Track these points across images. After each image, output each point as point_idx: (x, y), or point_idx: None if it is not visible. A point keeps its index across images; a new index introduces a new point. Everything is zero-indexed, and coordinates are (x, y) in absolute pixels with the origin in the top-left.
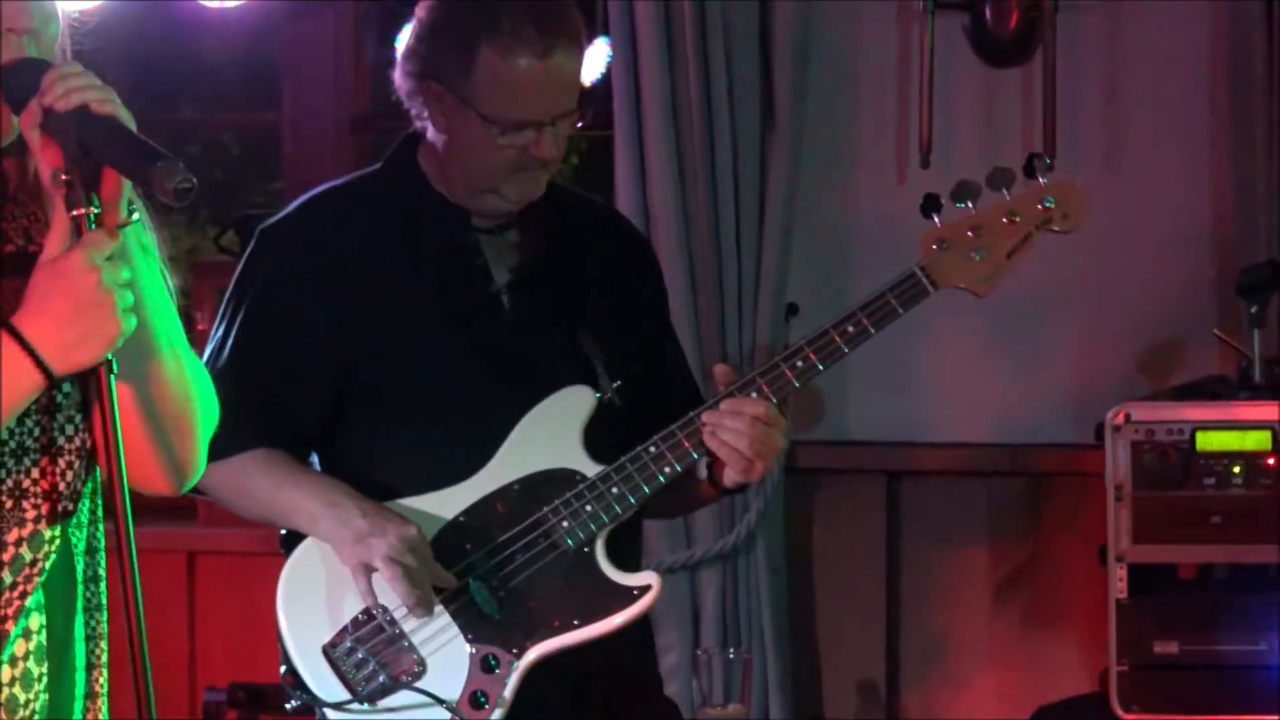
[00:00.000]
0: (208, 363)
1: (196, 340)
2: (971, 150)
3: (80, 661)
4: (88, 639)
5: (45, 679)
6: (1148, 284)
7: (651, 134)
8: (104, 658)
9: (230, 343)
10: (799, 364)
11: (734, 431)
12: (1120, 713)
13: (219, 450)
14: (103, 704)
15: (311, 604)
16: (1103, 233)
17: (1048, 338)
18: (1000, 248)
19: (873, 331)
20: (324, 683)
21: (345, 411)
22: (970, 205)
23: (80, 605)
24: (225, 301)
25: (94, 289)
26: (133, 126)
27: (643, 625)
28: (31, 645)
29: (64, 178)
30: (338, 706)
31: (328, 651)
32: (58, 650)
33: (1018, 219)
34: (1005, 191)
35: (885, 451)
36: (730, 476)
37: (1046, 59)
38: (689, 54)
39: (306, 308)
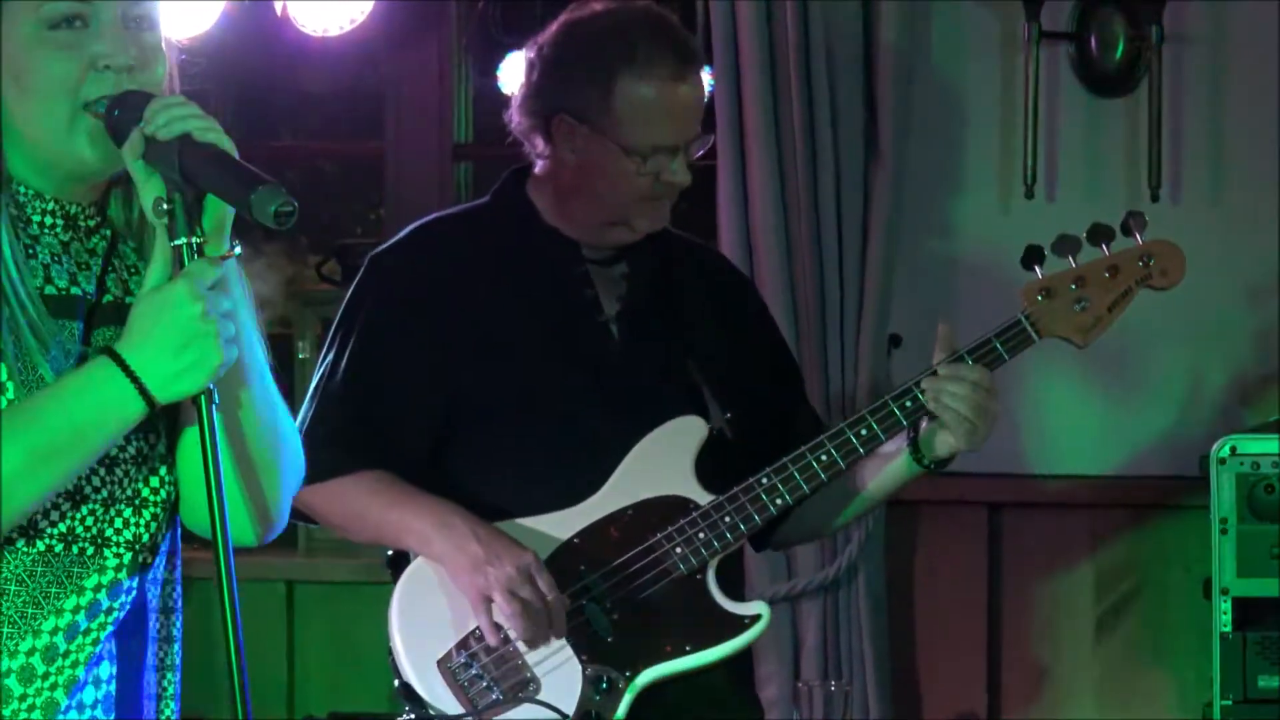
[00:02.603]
0: (318, 386)
1: (300, 369)
2: (1076, 181)
3: (149, 691)
4: (158, 698)
5: None
6: (1251, 316)
7: (754, 164)
8: (171, 689)
9: (343, 367)
10: (908, 404)
11: (955, 395)
12: None
13: (331, 469)
14: None
15: (426, 619)
16: (1206, 264)
17: (1150, 369)
18: (1102, 301)
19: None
20: (438, 698)
21: (455, 437)
22: (1071, 259)
23: (148, 663)
24: (335, 326)
25: (198, 319)
26: (234, 154)
27: (743, 653)
28: (100, 694)
29: (166, 207)
30: None
31: (442, 666)
32: (126, 704)
33: (1119, 274)
34: (1105, 247)
35: (987, 483)
36: (947, 443)
37: (1152, 90)
38: (792, 84)
39: (417, 334)
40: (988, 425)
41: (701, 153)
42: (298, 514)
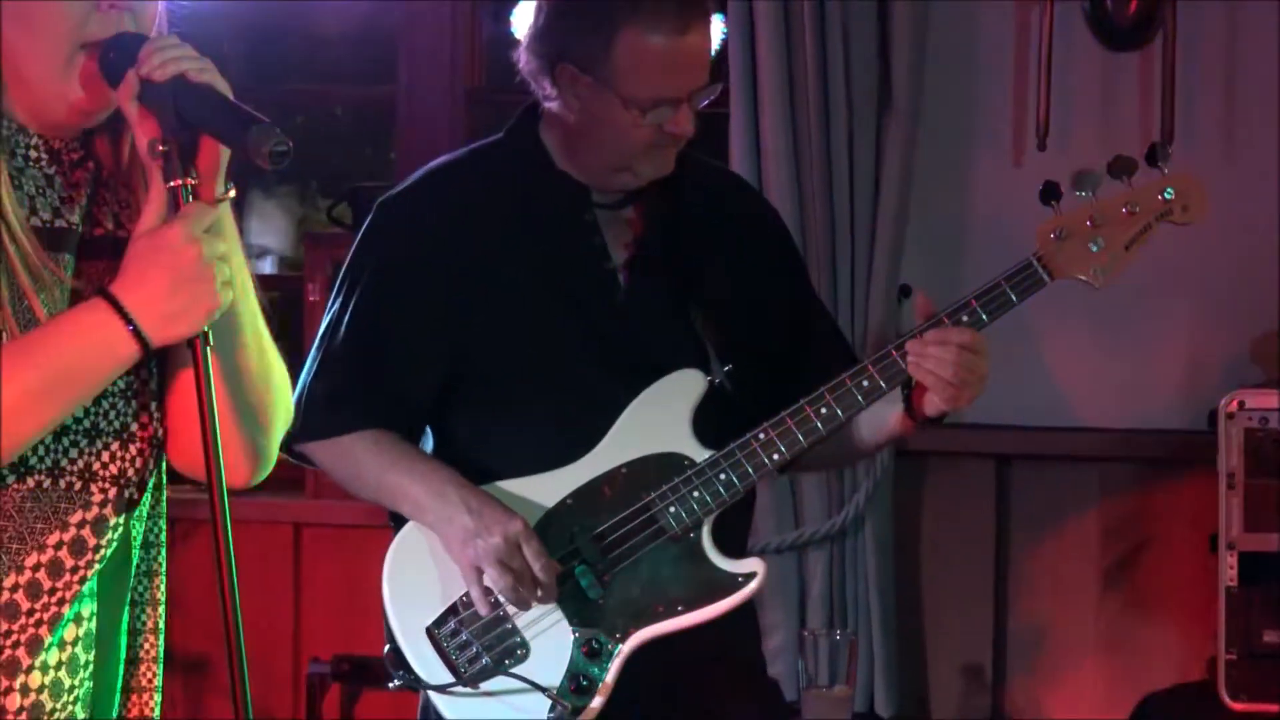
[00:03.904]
0: (323, 340)
1: (309, 312)
2: (1089, 134)
3: (121, 654)
4: (133, 633)
5: (91, 667)
6: (1262, 270)
7: (767, 113)
8: (154, 653)
9: (347, 320)
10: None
11: (939, 359)
12: (1228, 701)
13: (332, 428)
14: (151, 699)
15: (416, 584)
16: (1217, 218)
17: (1160, 323)
18: (1119, 239)
19: (985, 320)
20: (427, 664)
21: (458, 390)
22: (1090, 194)
23: (128, 598)
24: (342, 276)
25: (194, 261)
26: (229, 94)
27: (746, 606)
28: (81, 631)
29: (161, 148)
30: (440, 689)
31: (431, 632)
32: (105, 640)
33: (1137, 210)
34: (1126, 180)
35: (995, 435)
36: (934, 405)
37: (1166, 44)
38: (806, 33)
39: (423, 284)
40: (974, 388)
41: (708, 102)
42: (300, 457)
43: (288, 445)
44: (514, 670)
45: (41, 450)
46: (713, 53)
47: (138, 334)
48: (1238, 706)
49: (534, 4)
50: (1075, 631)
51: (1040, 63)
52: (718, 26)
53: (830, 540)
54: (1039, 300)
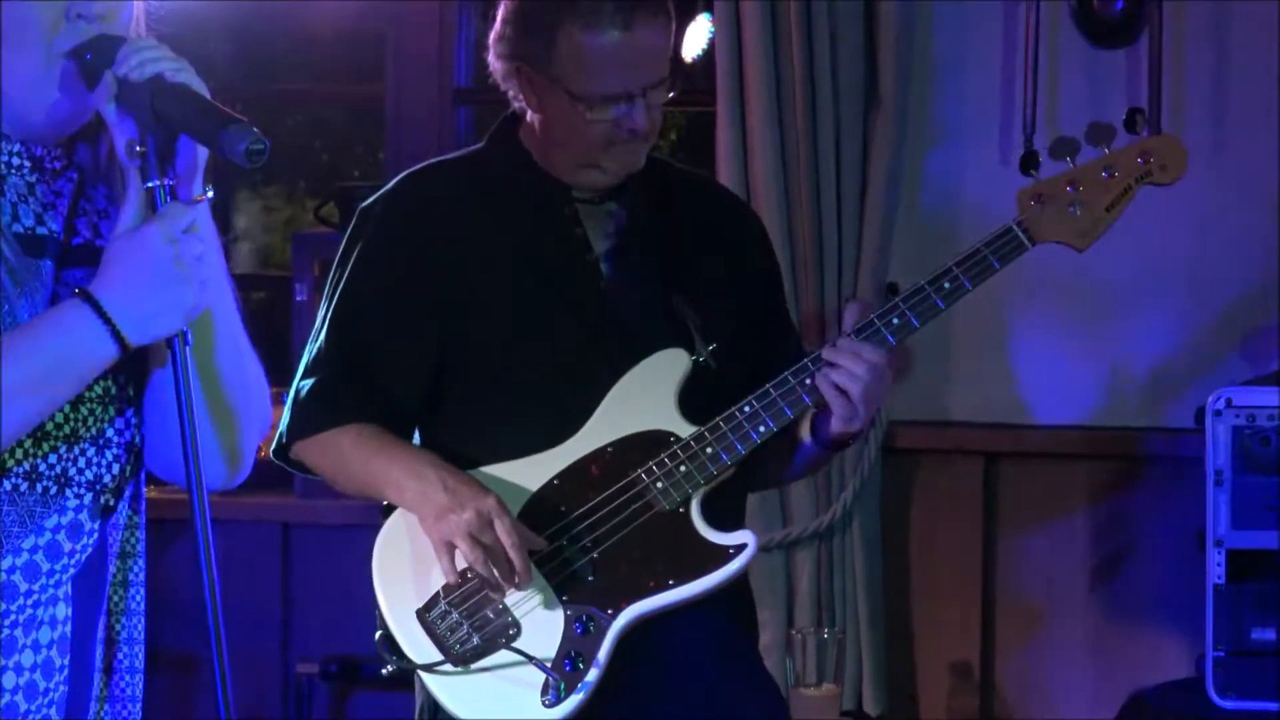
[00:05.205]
0: (311, 341)
1: (297, 311)
2: (1076, 132)
3: (97, 663)
4: (107, 642)
5: (66, 671)
6: (1250, 268)
7: (754, 111)
8: (131, 663)
9: (330, 318)
10: (894, 321)
11: (849, 374)
12: (1217, 699)
13: (318, 423)
14: (125, 709)
15: (405, 569)
16: (1206, 216)
17: (1149, 321)
18: (1099, 202)
19: (969, 287)
20: (418, 647)
21: (446, 382)
22: (1069, 161)
23: (104, 607)
24: (329, 280)
25: (172, 262)
26: (206, 94)
27: (745, 599)
28: (56, 635)
29: (138, 149)
30: (431, 669)
31: (421, 615)
32: (81, 646)
33: (1116, 173)
34: (1105, 147)
35: (984, 433)
36: (834, 425)
37: (1152, 41)
38: (793, 31)
39: (403, 282)
40: (870, 409)
41: (671, 96)
42: (296, 464)
43: (282, 450)
44: (509, 646)
45: (20, 454)
46: (666, 45)
47: (116, 334)
48: (1226, 704)
49: (499, 8)
50: (1064, 629)
51: (1027, 60)
52: (702, 26)
53: (818, 538)
54: (1027, 297)
